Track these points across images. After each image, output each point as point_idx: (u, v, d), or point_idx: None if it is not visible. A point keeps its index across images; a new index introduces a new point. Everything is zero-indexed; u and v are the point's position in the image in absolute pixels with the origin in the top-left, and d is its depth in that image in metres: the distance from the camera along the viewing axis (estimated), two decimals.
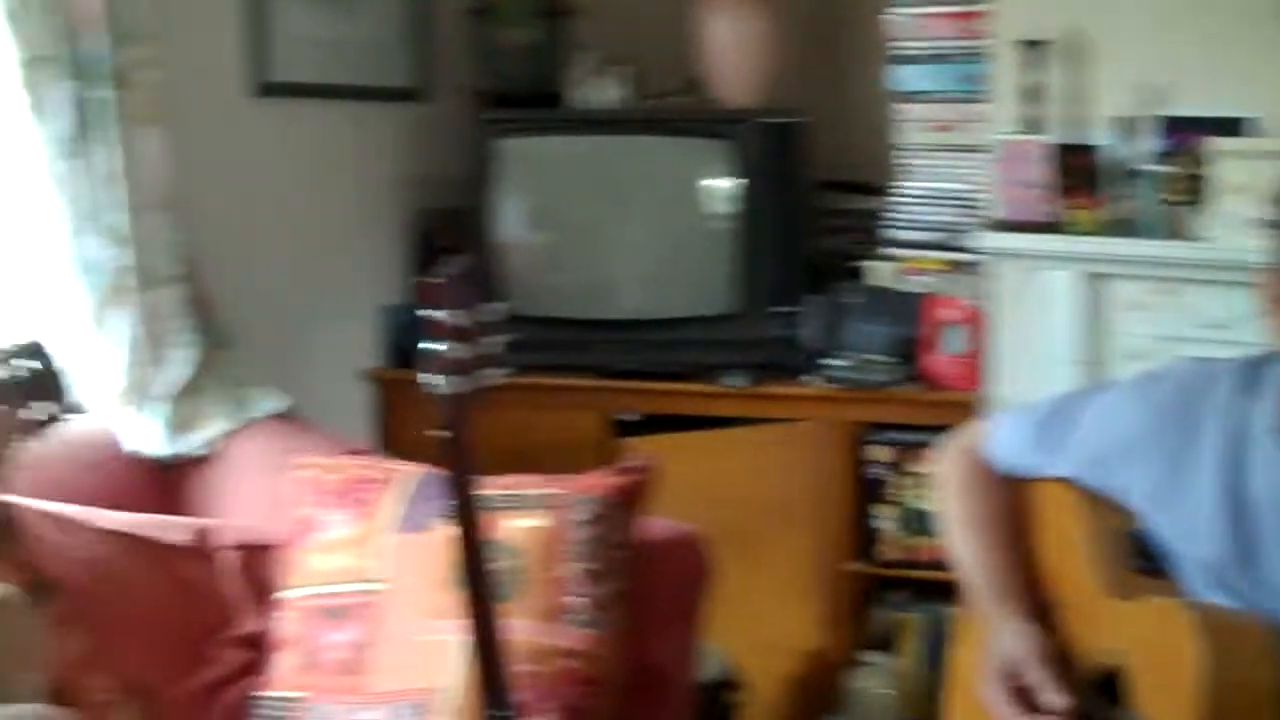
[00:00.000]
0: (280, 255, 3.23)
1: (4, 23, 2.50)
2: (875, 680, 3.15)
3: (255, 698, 2.35)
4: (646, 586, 2.32)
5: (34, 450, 1.77)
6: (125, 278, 2.66)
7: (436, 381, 1.79)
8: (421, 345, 1.78)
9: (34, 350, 1.79)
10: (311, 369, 3.23)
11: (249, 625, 2.48)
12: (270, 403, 2.84)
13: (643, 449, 3.02)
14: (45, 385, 1.79)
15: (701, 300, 3.23)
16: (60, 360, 1.85)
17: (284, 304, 3.22)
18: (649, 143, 3.29)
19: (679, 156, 3.27)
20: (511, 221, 3.28)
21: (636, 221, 3.32)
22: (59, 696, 1.83)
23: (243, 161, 3.12)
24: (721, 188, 3.20)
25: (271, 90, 3.18)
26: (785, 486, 3.16)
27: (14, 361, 1.75)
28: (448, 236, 3.50)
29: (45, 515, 2.33)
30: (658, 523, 2.39)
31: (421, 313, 1.75)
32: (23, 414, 1.75)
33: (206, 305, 2.84)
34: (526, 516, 2.29)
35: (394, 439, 3.31)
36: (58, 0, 2.51)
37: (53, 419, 1.80)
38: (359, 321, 3.50)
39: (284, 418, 2.84)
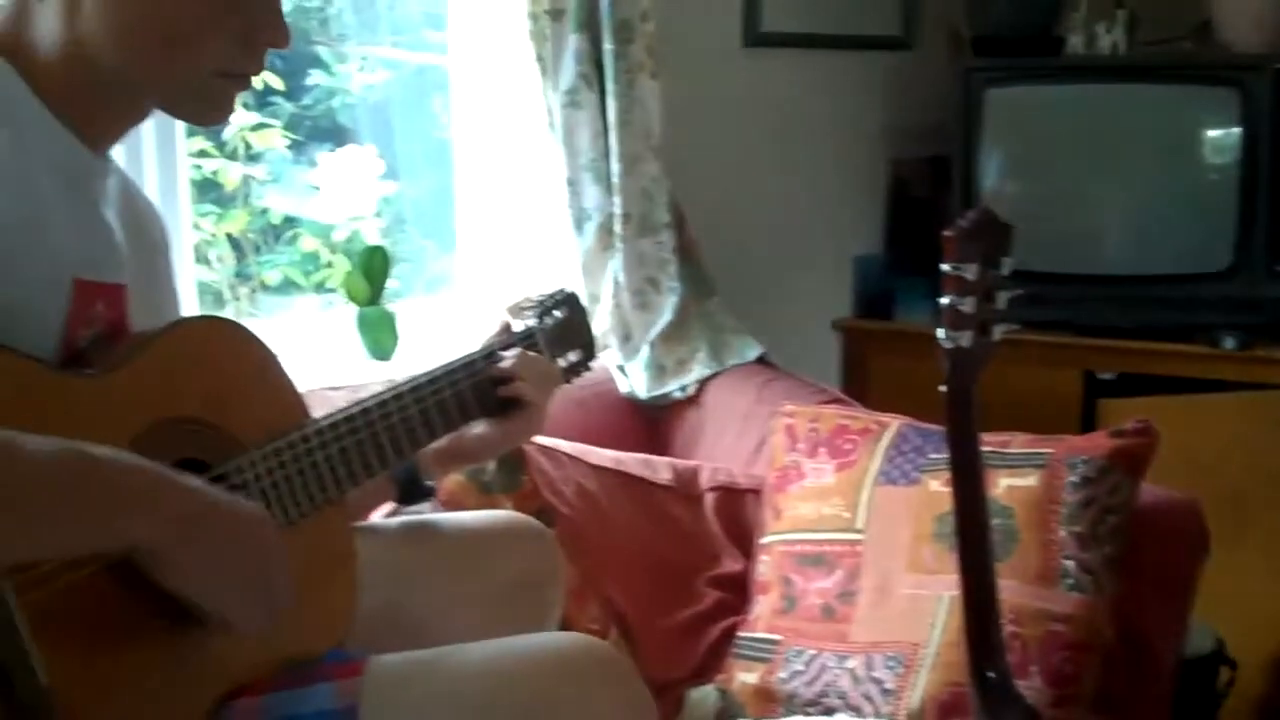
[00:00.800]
0: (759, 203, 3.26)
1: None
2: None
3: (734, 637, 2.40)
4: (1139, 553, 2.23)
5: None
6: (617, 225, 2.75)
7: (946, 335, 1.75)
8: (941, 299, 1.75)
9: (566, 299, 1.86)
10: (784, 316, 3.25)
11: (728, 566, 2.53)
12: (748, 350, 2.89)
13: (1126, 410, 2.91)
14: (576, 333, 1.86)
15: (1194, 257, 3.06)
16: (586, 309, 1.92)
17: (761, 251, 3.26)
18: (1146, 91, 3.14)
19: (1179, 105, 3.11)
20: (994, 172, 3.21)
21: (1128, 173, 3.17)
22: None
23: (728, 111, 3.16)
24: (1223, 138, 3.03)
25: (760, 40, 3.19)
26: None
27: (555, 312, 1.83)
28: (925, 187, 3.46)
29: (542, 449, 2.45)
30: (1150, 489, 2.30)
31: (942, 266, 1.72)
32: (560, 362, 1.83)
33: (691, 252, 2.90)
34: (1015, 475, 2.24)
35: (862, 389, 3.30)
36: None
37: (581, 366, 1.87)
38: (832, 271, 3.50)
39: (761, 364, 2.88)
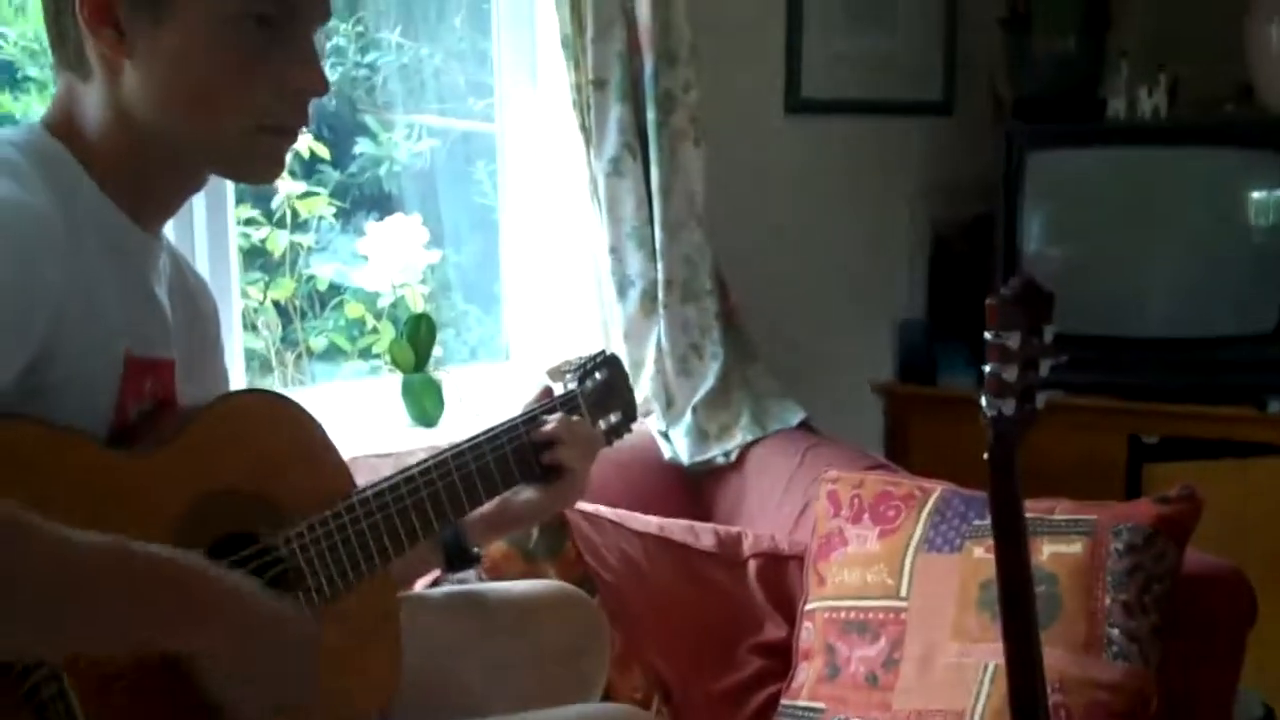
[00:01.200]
0: (801, 269, 3.27)
1: (558, 49, 2.66)
2: None
3: (778, 705, 2.39)
4: (1185, 621, 2.22)
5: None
6: (660, 292, 2.76)
7: (989, 403, 1.76)
8: (985, 367, 1.75)
9: (607, 360, 1.87)
10: (827, 381, 3.25)
11: (771, 633, 2.52)
12: (791, 415, 2.89)
13: (1171, 474, 2.89)
14: (617, 395, 1.87)
15: (1239, 320, 3.05)
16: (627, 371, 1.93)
17: (803, 317, 3.27)
18: (1189, 154, 3.14)
19: (1222, 168, 3.10)
20: (1036, 235, 3.21)
21: (1171, 236, 3.17)
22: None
23: (771, 177, 3.18)
24: (1266, 201, 3.02)
25: (802, 106, 3.23)
26: None
27: (596, 374, 1.84)
28: (967, 250, 3.46)
29: (585, 515, 2.45)
30: (1196, 555, 2.28)
31: (985, 334, 1.73)
32: (602, 424, 1.84)
33: (734, 318, 2.91)
34: (1060, 542, 2.23)
35: (905, 453, 3.30)
36: (616, 27, 2.64)
37: (623, 427, 1.87)
38: (874, 335, 3.51)
39: (803, 429, 2.88)
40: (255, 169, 1.43)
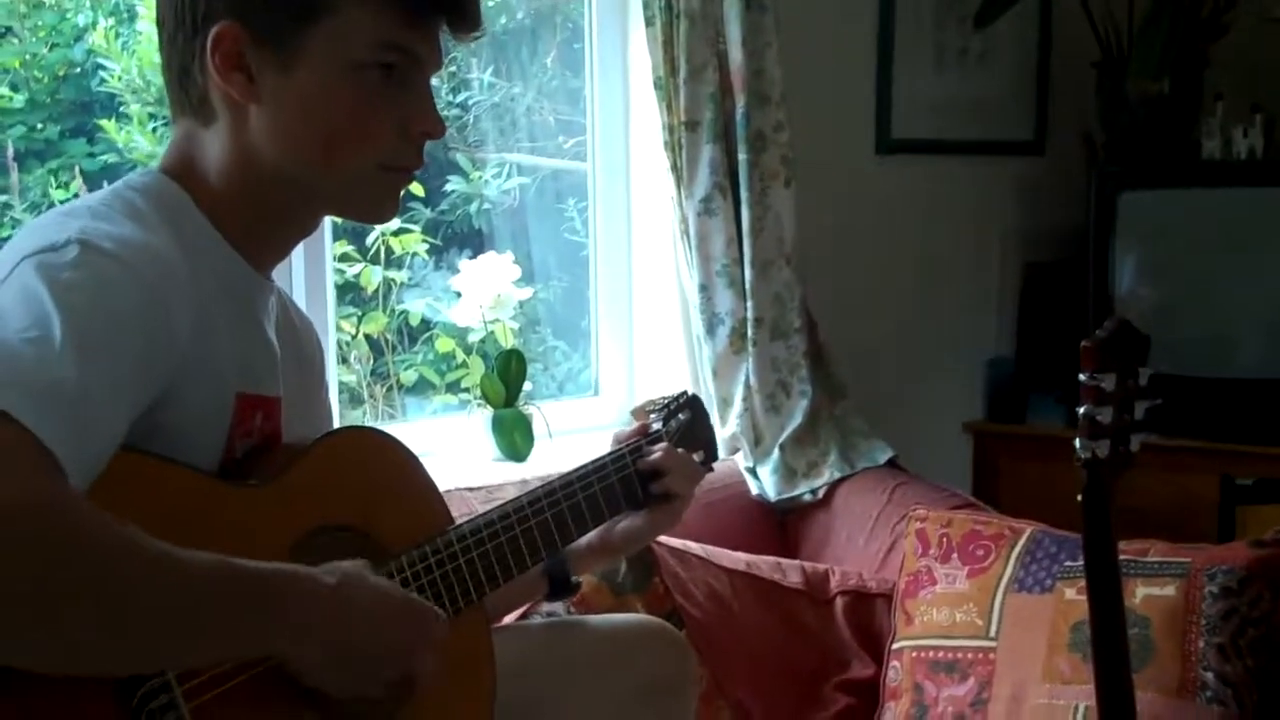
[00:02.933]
0: (891, 307, 3.28)
1: (650, 90, 2.69)
2: None
3: None
4: None
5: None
6: (750, 329, 2.77)
7: (1082, 445, 1.75)
8: (1079, 408, 1.75)
9: (689, 401, 1.89)
10: (915, 419, 3.25)
11: (858, 671, 2.52)
12: (879, 453, 2.88)
13: (1266, 517, 2.86)
14: (699, 435, 1.88)
15: None
16: (709, 412, 1.95)
17: (892, 355, 3.27)
18: None
19: None
20: (1128, 276, 3.20)
21: (1266, 276, 3.14)
22: None
23: (861, 217, 3.19)
24: None
25: (893, 147, 3.23)
26: None
27: (680, 415, 1.85)
28: (1058, 290, 3.45)
29: (673, 551, 2.46)
30: None
31: (1080, 376, 1.72)
32: None
33: (822, 356, 2.91)
34: (1153, 584, 2.22)
35: (993, 492, 3.28)
36: (709, 69, 2.66)
37: (704, 466, 1.88)
38: (963, 374, 3.50)
39: (891, 467, 2.88)
40: (374, 208, 1.47)
